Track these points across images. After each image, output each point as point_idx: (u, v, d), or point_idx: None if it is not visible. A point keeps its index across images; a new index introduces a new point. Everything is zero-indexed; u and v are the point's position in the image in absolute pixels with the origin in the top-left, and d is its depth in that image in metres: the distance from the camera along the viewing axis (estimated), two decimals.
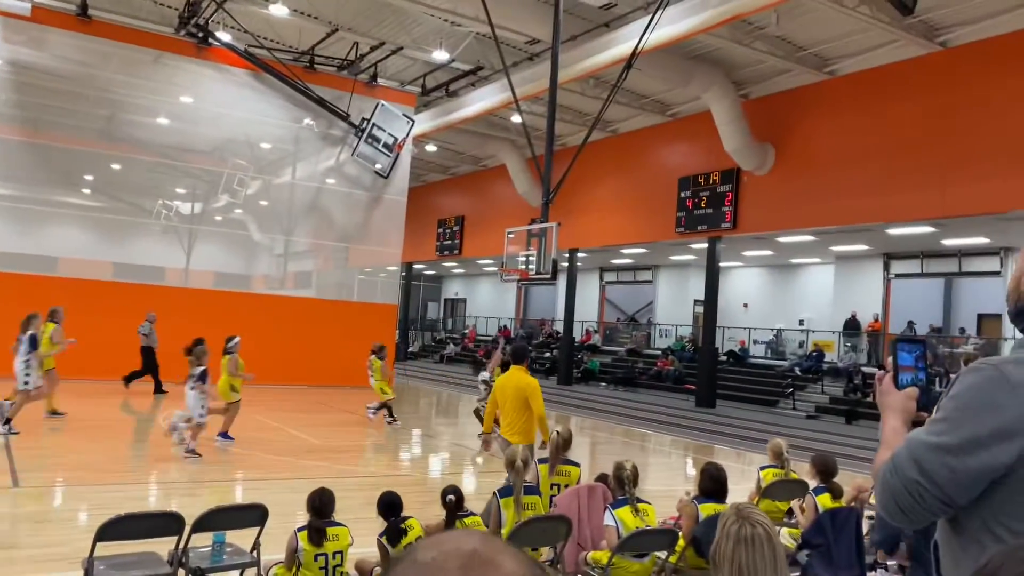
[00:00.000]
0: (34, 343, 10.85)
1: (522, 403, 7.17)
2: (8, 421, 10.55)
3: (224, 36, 18.84)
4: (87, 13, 17.74)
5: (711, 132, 18.96)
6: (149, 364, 16.20)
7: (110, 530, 4.22)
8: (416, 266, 36.44)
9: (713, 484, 5.37)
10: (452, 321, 41.23)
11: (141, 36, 18.31)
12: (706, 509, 5.18)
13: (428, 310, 42.92)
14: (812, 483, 6.29)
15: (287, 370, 18.45)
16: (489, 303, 37.93)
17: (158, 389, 16.16)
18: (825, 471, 6.03)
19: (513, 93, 15.95)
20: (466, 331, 36.50)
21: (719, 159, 19.57)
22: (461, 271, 39.93)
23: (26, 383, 10.72)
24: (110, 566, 4.29)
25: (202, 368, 9.91)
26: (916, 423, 1.79)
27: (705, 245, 20.80)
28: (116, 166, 19.42)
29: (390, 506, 4.97)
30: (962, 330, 21.30)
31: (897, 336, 2.78)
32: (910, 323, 20.91)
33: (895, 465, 1.64)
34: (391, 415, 14.40)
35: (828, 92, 17.77)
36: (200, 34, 18.61)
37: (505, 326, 34.37)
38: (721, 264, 21.22)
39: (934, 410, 1.68)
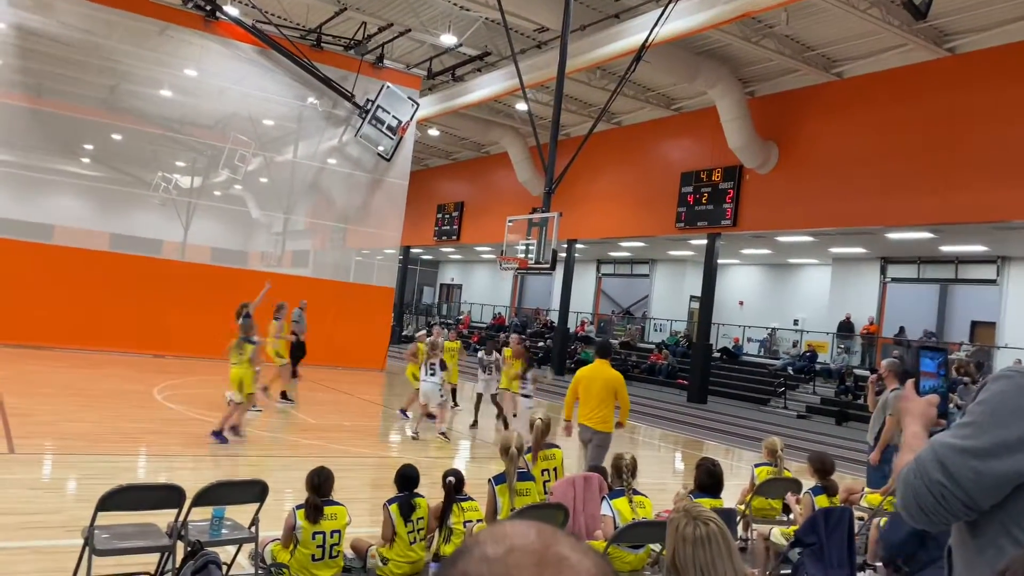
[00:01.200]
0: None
1: (610, 395, 7.80)
2: (285, 395, 12.97)
3: (232, 10, 18.70)
4: None
5: (715, 128, 18.95)
6: (297, 350, 16.05)
7: (112, 500, 4.24)
8: (414, 250, 36.39)
9: (709, 479, 5.47)
10: (447, 306, 41.22)
11: (148, 6, 18.13)
12: (702, 503, 5.22)
13: (424, 294, 42.89)
14: (808, 482, 6.33)
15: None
16: (485, 290, 37.92)
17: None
18: (822, 470, 6.09)
19: (520, 80, 15.90)
20: (461, 317, 36.50)
21: (722, 156, 19.57)
22: (458, 257, 39.90)
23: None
24: (112, 535, 4.31)
25: (437, 360, 11.54)
26: (933, 431, 1.81)
27: (704, 241, 20.83)
28: (117, 136, 19.30)
29: (406, 479, 5.12)
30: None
31: (920, 343, 2.80)
32: (901, 328, 20.99)
33: (919, 466, 1.66)
34: (454, 399, 15.38)
35: (834, 93, 17.78)
36: (207, 7, 18.46)
37: (499, 314, 34.39)
38: (719, 261, 21.26)
39: (963, 414, 1.70)
